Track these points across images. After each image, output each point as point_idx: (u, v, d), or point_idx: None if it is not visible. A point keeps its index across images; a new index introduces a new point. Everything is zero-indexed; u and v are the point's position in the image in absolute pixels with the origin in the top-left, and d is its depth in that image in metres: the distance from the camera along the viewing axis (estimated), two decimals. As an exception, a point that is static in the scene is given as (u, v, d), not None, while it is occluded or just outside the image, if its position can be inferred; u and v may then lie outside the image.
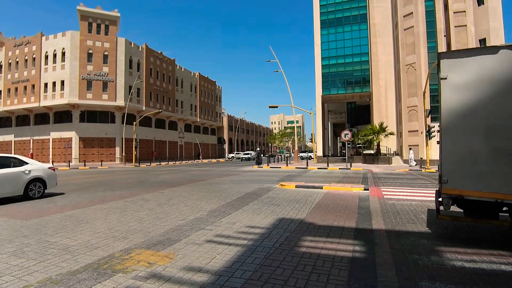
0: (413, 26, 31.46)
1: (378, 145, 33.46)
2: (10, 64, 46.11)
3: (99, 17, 42.58)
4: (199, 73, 64.80)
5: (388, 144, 36.31)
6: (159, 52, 51.79)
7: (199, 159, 58.59)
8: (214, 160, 57.46)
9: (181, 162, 48.35)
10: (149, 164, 38.94)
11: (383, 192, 10.48)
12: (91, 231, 5.82)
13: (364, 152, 36.60)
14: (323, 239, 5.03)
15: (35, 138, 45.21)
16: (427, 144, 23.96)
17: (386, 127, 33.34)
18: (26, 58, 44.40)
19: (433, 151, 28.35)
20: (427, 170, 21.59)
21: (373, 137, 32.84)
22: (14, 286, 3.41)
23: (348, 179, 15.99)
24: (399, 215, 6.88)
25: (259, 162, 30.94)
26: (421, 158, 25.79)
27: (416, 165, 26.48)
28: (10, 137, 47.69)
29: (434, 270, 3.71)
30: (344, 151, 46.26)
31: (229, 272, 3.67)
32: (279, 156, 41.30)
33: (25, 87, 44.06)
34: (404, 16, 32.74)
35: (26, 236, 5.49)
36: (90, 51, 41.84)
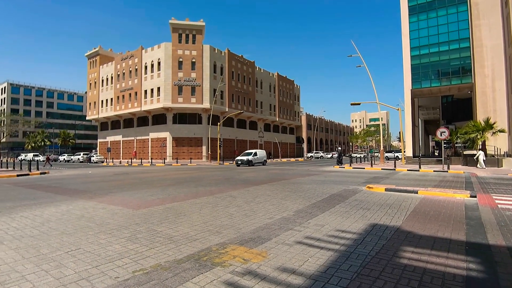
0: (532, 1, 26.06)
1: (484, 144, 28.71)
2: (118, 75, 54.17)
3: (187, 27, 46.76)
4: (278, 73, 65.65)
5: (496, 143, 30.86)
6: (240, 55, 54.20)
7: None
8: (292, 159, 57.53)
9: (260, 160, 49.71)
10: (231, 162, 41.11)
11: (496, 201, 8.90)
12: (189, 223, 6.35)
13: (464, 153, 31.89)
14: (427, 251, 4.49)
15: (138, 138, 52.20)
16: (554, 144, 19.58)
17: (494, 123, 28.41)
18: (130, 69, 51.56)
19: None
20: (554, 175, 17.63)
21: (477, 135, 28.30)
22: (132, 268, 3.91)
23: (447, 183, 14.12)
24: (523, 229, 5.72)
25: (340, 162, 29.77)
26: (545, 161, 21.18)
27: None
28: (119, 138, 56.09)
29: None
30: (438, 152, 41.06)
31: (324, 278, 3.55)
32: (373, 156, 37.67)
33: (130, 95, 51.23)
34: (519, -9, 27.39)
35: (137, 224, 6.29)
36: (180, 60, 46.26)
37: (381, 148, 35.46)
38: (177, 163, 38.52)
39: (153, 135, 49.32)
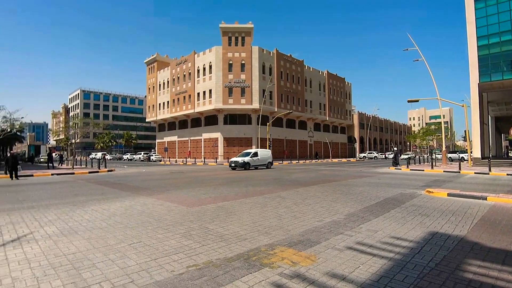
0: None
1: None
2: (173, 80, 57.49)
3: (236, 30, 47.87)
4: (327, 71, 63.98)
5: None
6: (288, 55, 53.93)
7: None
8: (344, 160, 55.65)
9: (310, 161, 49.04)
10: (281, 162, 41.11)
11: None
12: (238, 222, 6.53)
13: (547, 154, 27.90)
14: (497, 266, 4.03)
15: (192, 138, 54.88)
16: None
17: None
18: (184, 74, 54.39)
19: None
20: None
21: None
22: (186, 263, 4.15)
23: (524, 188, 12.48)
24: None
25: (396, 163, 28.04)
26: None
27: None
28: (175, 138, 59.52)
29: None
30: (514, 152, 36.26)
31: None
32: (433, 157, 34.43)
33: (184, 97, 54.06)
34: None
35: (191, 221, 6.64)
36: (230, 62, 47.52)
37: (443, 148, 32.59)
38: (228, 162, 39.63)
39: (205, 135, 51.46)
